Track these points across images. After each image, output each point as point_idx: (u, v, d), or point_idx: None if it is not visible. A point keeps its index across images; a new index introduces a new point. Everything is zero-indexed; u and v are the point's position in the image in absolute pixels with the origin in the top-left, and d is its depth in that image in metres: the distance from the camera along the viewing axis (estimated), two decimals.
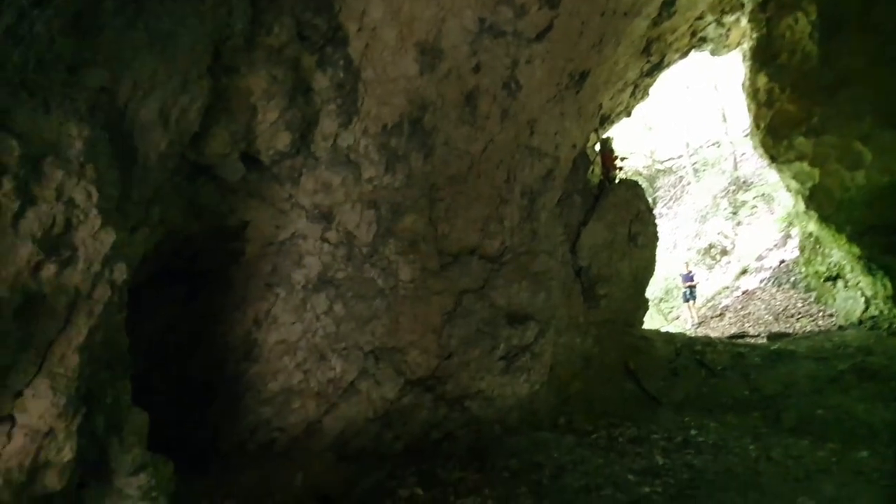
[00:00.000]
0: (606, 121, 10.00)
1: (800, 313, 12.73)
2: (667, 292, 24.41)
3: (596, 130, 9.55)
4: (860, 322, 8.13)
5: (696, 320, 15.37)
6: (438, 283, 5.66)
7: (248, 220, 4.00)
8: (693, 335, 8.09)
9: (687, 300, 16.12)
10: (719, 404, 5.37)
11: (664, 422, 5.16)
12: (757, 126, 9.63)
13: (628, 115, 10.47)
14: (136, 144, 2.24)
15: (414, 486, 3.87)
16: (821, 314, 12.28)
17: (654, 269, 8.77)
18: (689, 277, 16.32)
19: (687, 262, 18.28)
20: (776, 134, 9.18)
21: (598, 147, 9.92)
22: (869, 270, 9.10)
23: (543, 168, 7.21)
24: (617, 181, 9.37)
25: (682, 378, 6.02)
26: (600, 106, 8.98)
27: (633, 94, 10.18)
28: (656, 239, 8.95)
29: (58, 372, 1.51)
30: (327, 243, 4.51)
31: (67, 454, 1.65)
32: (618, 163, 9.73)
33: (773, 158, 9.41)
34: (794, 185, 9.53)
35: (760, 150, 9.78)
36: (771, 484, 3.65)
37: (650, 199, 32.44)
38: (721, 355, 6.50)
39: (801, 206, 9.74)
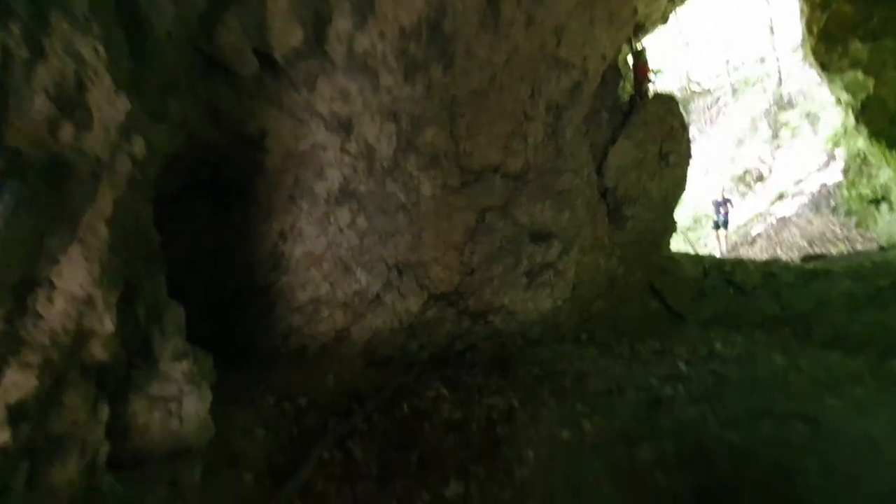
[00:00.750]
0: (641, 30, 9.27)
1: (837, 238, 12.27)
2: (695, 221, 23.85)
3: (629, 40, 8.88)
4: None
5: (727, 249, 14.81)
6: (460, 199, 5.58)
7: (268, 129, 3.93)
8: (723, 258, 7.90)
9: (717, 227, 15.08)
10: (748, 321, 5.30)
11: (689, 337, 5.15)
12: (809, 31, 8.79)
13: (665, 21, 9.65)
14: (144, 15, 2.14)
15: (440, 388, 4.03)
16: (860, 239, 11.81)
17: (684, 189, 8.44)
18: (721, 203, 15.25)
19: (722, 189, 17.00)
20: (830, 38, 8.37)
21: (630, 59, 9.28)
22: None
23: (570, 81, 6.82)
24: (650, 96, 8.84)
25: (710, 297, 5.95)
26: (635, 11, 8.28)
27: None
28: (689, 157, 8.54)
29: (90, 242, 1.55)
30: (348, 155, 4.43)
31: (108, 325, 1.73)
32: (651, 76, 9.12)
33: (825, 67, 8.66)
34: (845, 97, 8.82)
35: (811, 59, 9.00)
36: (798, 389, 3.65)
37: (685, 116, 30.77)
38: (751, 275, 6.35)
39: (851, 121, 9.07)
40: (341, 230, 4.54)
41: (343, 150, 4.42)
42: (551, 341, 5.18)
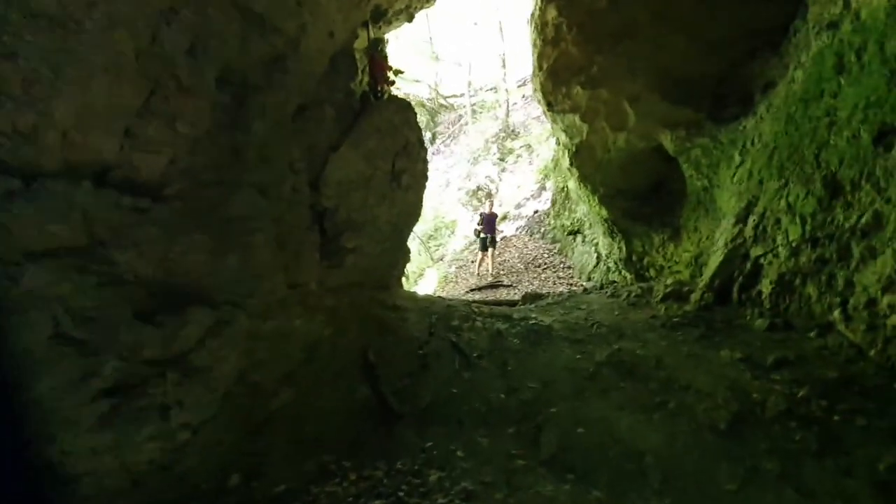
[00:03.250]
0: (382, 17, 7.67)
1: (545, 264, 13.49)
2: (436, 230, 24.63)
3: (366, 25, 7.17)
4: (602, 287, 8.24)
5: (492, 271, 13.48)
6: None
7: None
8: (453, 301, 6.87)
9: (486, 248, 13.46)
10: (472, 412, 4.04)
11: (401, 451, 3.57)
12: (540, 66, 8.70)
13: (410, 18, 8.33)
14: None
15: None
16: (562, 265, 13.19)
17: (418, 218, 7.22)
18: (489, 218, 13.50)
19: (490, 200, 15.17)
20: (557, 78, 8.37)
21: (370, 54, 7.60)
22: (610, 233, 9.42)
23: (270, 51, 4.60)
24: (386, 98, 7.32)
25: (433, 371, 4.58)
26: None
27: None
28: (424, 179, 7.36)
29: None
30: None
31: None
32: (391, 75, 7.63)
33: (551, 106, 8.69)
34: (563, 138, 9.09)
35: (539, 95, 8.99)
36: None
37: (427, 132, 31.78)
38: (480, 334, 5.32)
39: (566, 161, 9.47)
40: None
41: None
42: None
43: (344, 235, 5.98)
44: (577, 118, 8.44)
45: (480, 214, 14.03)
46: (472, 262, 16.14)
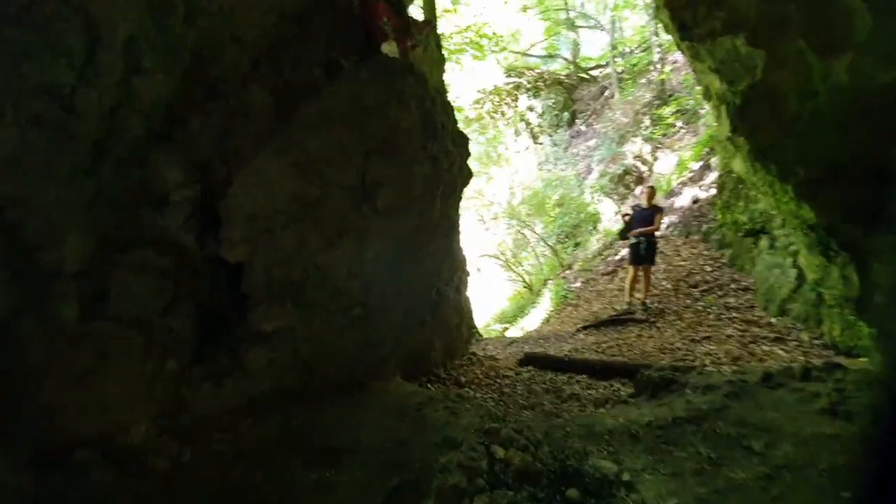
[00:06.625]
0: None
1: (707, 282, 9.05)
2: (576, 227, 20.78)
3: None
4: (808, 374, 4.03)
5: (645, 298, 8.75)
6: None
7: None
8: (485, 407, 3.79)
9: (639, 261, 8.69)
10: None
11: None
12: None
13: None
14: None
15: None
16: (734, 286, 8.66)
17: (423, 253, 4.28)
18: (646, 217, 8.66)
19: (650, 188, 9.52)
20: None
21: None
22: (823, 250, 5.08)
23: None
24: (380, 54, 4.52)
25: None
26: None
27: None
28: (435, 189, 4.34)
29: None
30: None
31: None
32: (386, 22, 4.78)
33: (686, 28, 4.82)
34: (717, 84, 5.07)
35: (666, 14, 5.14)
36: None
37: (564, 113, 27.56)
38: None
39: (725, 125, 5.39)
40: None
41: None
42: None
43: (257, 311, 3.38)
44: (740, 41, 4.45)
45: (632, 209, 9.26)
46: (605, 274, 12.10)
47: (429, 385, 4.96)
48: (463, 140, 5.16)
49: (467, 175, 5.08)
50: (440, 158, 4.35)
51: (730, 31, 4.49)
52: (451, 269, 5.55)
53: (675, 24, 4.88)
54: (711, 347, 6.54)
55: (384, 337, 4.04)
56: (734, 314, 7.59)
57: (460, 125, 5.36)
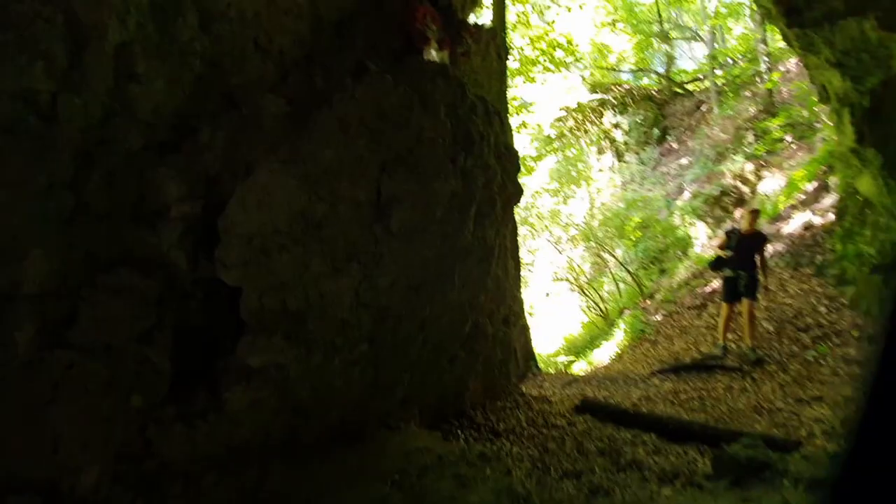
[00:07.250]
0: None
1: (818, 326, 7.46)
2: (662, 251, 19.06)
3: None
4: None
5: (749, 341, 7.33)
6: None
7: None
8: None
9: (737, 296, 7.44)
10: None
11: None
12: None
13: None
14: None
15: None
16: (856, 333, 7.03)
17: (454, 280, 3.69)
18: (749, 245, 7.31)
19: (753, 211, 7.83)
20: None
21: None
22: None
23: None
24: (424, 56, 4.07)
25: None
26: None
27: None
28: (468, 207, 3.75)
29: None
30: None
31: None
32: (431, 26, 4.34)
33: (795, 13, 3.84)
34: (837, 82, 3.99)
35: (767, 3, 4.17)
36: None
37: (654, 129, 25.69)
38: None
39: (848, 135, 4.25)
40: None
41: None
42: None
43: (242, 343, 2.98)
44: (869, 24, 3.41)
45: (728, 234, 7.73)
46: (692, 308, 10.55)
47: (458, 431, 4.30)
48: (511, 154, 4.53)
49: (512, 194, 4.44)
50: (475, 174, 3.76)
51: (855, 13, 3.46)
52: (495, 299, 4.89)
53: (781, 7, 3.92)
54: (824, 412, 5.21)
55: (398, 378, 3.48)
56: (855, 370, 6.08)
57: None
